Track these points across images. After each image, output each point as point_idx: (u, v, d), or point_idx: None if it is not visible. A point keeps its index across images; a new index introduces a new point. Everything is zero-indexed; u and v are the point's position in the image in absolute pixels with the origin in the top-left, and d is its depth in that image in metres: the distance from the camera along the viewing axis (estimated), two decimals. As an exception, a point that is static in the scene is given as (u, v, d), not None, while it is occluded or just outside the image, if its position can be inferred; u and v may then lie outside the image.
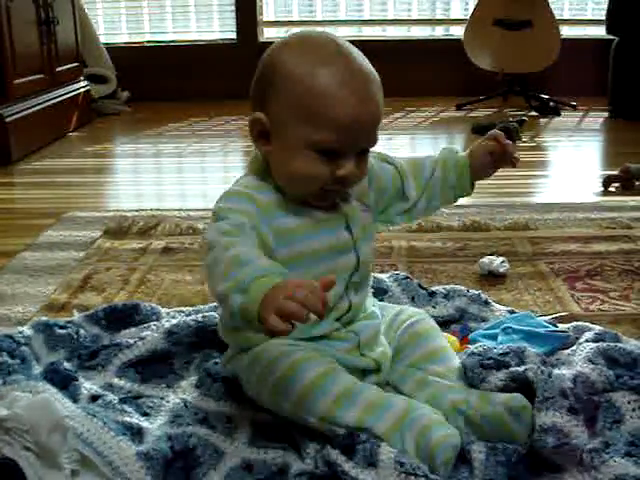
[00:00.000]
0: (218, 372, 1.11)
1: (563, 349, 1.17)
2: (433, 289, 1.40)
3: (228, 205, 0.99)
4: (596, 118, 3.68)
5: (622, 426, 0.99)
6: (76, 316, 1.32)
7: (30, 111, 3.02)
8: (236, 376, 1.08)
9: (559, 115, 3.71)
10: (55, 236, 1.94)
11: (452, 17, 4.50)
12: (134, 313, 1.31)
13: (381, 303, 1.19)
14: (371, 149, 1.03)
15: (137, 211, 2.13)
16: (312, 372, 0.98)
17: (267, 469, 0.94)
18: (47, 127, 3.21)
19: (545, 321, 1.28)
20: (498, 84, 3.87)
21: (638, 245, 1.80)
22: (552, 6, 3.77)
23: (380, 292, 1.35)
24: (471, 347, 1.13)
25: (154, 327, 1.23)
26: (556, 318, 1.34)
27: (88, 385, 1.09)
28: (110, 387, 1.11)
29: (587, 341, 1.16)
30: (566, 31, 4.10)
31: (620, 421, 1.00)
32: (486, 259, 1.63)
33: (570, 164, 2.83)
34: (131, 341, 1.20)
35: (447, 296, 1.37)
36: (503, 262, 1.61)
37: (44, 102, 3.18)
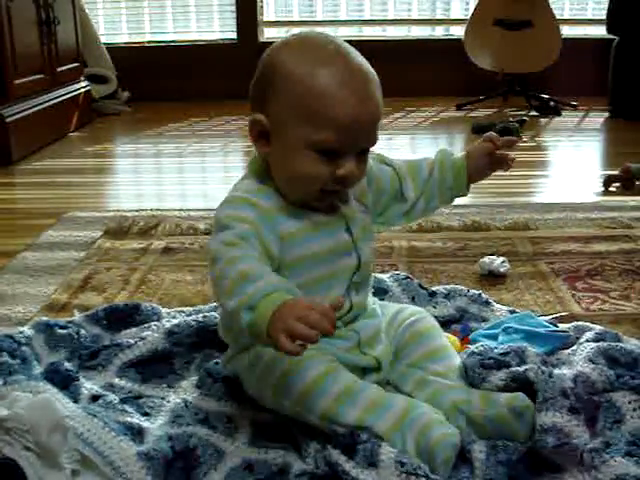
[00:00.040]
0: (219, 372, 1.11)
1: (563, 349, 1.17)
2: (434, 289, 1.40)
3: (230, 213, 0.99)
4: (596, 118, 3.68)
5: (622, 426, 0.99)
6: (77, 316, 1.33)
7: (30, 111, 3.02)
8: (237, 376, 1.08)
9: (559, 115, 3.71)
10: (55, 236, 1.94)
11: (452, 17, 4.50)
12: (135, 313, 1.31)
13: (381, 302, 1.19)
14: (371, 149, 1.03)
15: (137, 211, 2.13)
16: (313, 371, 0.98)
17: (268, 469, 0.94)
18: (47, 127, 3.21)
19: (545, 321, 1.28)
20: (498, 84, 3.87)
21: (638, 245, 1.80)
22: (552, 6, 3.77)
23: (380, 292, 1.35)
24: (471, 347, 1.13)
25: (155, 327, 1.23)
26: (556, 318, 1.34)
27: (89, 385, 1.09)
28: (111, 387, 1.12)
29: (588, 341, 1.16)
30: (566, 31, 4.10)
31: (620, 421, 1.00)
32: (486, 259, 1.63)
33: (570, 164, 2.83)
34: (132, 341, 1.20)
35: (448, 296, 1.37)
36: (503, 262, 1.61)
37: (44, 102, 3.18)
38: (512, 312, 1.35)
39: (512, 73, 3.83)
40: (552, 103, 3.78)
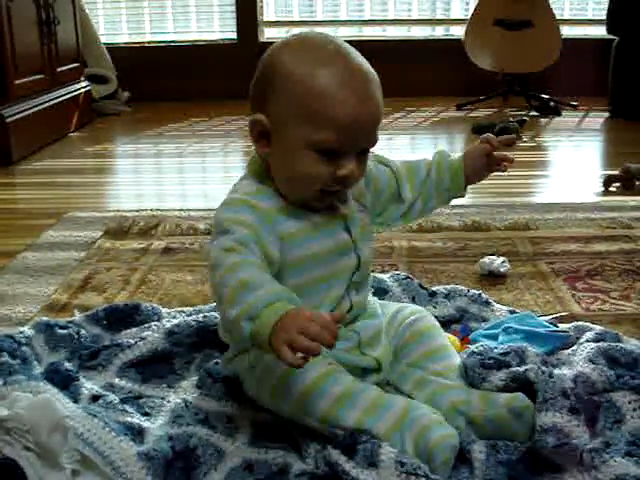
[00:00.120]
0: (219, 372, 1.11)
1: (564, 349, 1.17)
2: (434, 289, 1.40)
3: (229, 216, 0.99)
4: (596, 118, 3.68)
5: (623, 426, 0.99)
6: (77, 316, 1.33)
7: (31, 111, 3.02)
8: (237, 376, 1.08)
9: (559, 115, 3.71)
10: (56, 236, 1.94)
11: (452, 17, 4.50)
12: (135, 313, 1.31)
13: (381, 301, 1.19)
14: (371, 149, 1.04)
15: (137, 211, 2.13)
16: (312, 373, 0.98)
17: (268, 469, 0.94)
18: (48, 127, 3.21)
19: (546, 321, 1.28)
20: (498, 84, 3.87)
21: (638, 245, 1.80)
22: (552, 6, 3.77)
23: (381, 292, 1.35)
24: (471, 347, 1.13)
25: (155, 327, 1.23)
26: (556, 318, 1.34)
27: (89, 385, 1.09)
28: (111, 387, 1.12)
29: (588, 341, 1.16)
30: (566, 31, 4.10)
31: (621, 421, 1.00)
32: (487, 259, 1.63)
33: (570, 164, 2.83)
34: (132, 341, 1.20)
35: (448, 296, 1.37)
36: (504, 262, 1.61)
37: (45, 102, 3.18)
38: (512, 312, 1.35)
39: (512, 73, 3.83)
40: (552, 103, 3.78)
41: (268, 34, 4.44)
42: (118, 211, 2.16)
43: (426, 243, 1.83)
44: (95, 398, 1.06)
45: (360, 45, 1.06)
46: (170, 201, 2.41)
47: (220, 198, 1.04)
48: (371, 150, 1.04)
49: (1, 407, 0.94)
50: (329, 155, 0.98)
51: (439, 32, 4.60)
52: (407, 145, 3.26)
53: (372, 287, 1.30)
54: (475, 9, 3.88)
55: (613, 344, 1.11)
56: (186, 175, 2.90)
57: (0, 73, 2.82)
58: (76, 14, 3.65)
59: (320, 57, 0.98)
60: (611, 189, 2.35)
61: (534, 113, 3.72)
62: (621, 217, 1.99)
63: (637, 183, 2.35)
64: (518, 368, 1.02)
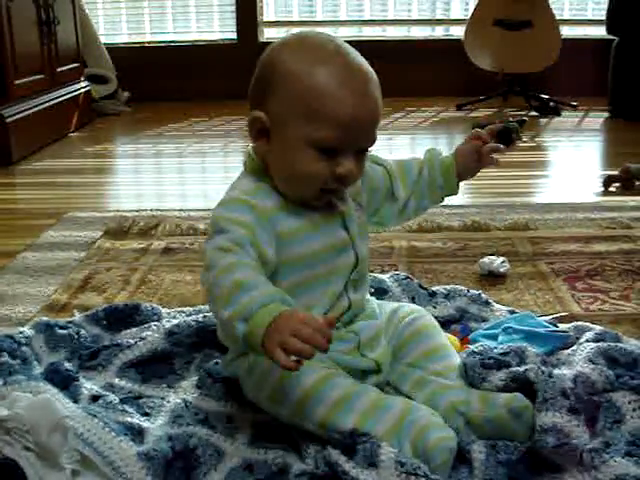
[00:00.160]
0: (219, 372, 1.11)
1: (563, 349, 1.17)
2: (433, 289, 1.40)
3: (226, 215, 0.99)
4: (596, 118, 3.68)
5: (622, 426, 0.99)
6: (77, 316, 1.33)
7: (31, 111, 3.02)
8: (237, 377, 1.08)
9: (559, 115, 3.71)
10: (56, 236, 1.94)
11: (452, 17, 4.50)
12: (135, 313, 1.32)
13: (378, 301, 1.19)
14: (369, 148, 1.04)
15: (137, 211, 2.13)
16: (310, 378, 0.97)
17: (268, 469, 0.94)
18: (48, 127, 3.21)
19: (545, 321, 1.28)
20: (498, 84, 3.87)
21: (638, 245, 1.80)
22: (552, 6, 3.77)
23: (380, 292, 1.35)
24: (471, 347, 1.13)
25: (155, 327, 1.23)
26: (556, 318, 1.34)
27: (89, 385, 1.09)
28: (111, 387, 1.12)
29: (587, 341, 1.16)
30: (566, 31, 4.10)
31: (620, 421, 1.00)
32: (486, 259, 1.63)
33: (570, 164, 2.83)
34: (132, 341, 1.20)
35: (447, 296, 1.37)
36: (503, 262, 1.61)
37: (44, 102, 3.18)
38: (512, 312, 1.35)
39: (512, 73, 3.83)
40: (552, 103, 3.78)
41: (268, 34, 4.44)
42: (118, 211, 2.16)
43: (426, 243, 1.83)
44: (95, 398, 1.06)
45: (360, 45, 1.06)
46: (170, 201, 2.41)
47: (220, 198, 1.04)
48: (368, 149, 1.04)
49: (1, 407, 0.94)
50: (328, 153, 0.98)
51: (439, 32, 4.60)
52: (407, 145, 3.26)
53: (372, 287, 1.30)
54: (475, 9, 3.88)
55: (613, 344, 1.11)
56: (186, 175, 2.90)
57: (0, 73, 2.82)
58: (76, 14, 3.65)
59: (320, 56, 0.99)
60: (611, 189, 2.35)
61: (534, 113, 3.72)
62: (621, 217, 1.99)
63: (637, 183, 2.35)
64: (518, 368, 1.02)
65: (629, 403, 1.01)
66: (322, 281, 1.04)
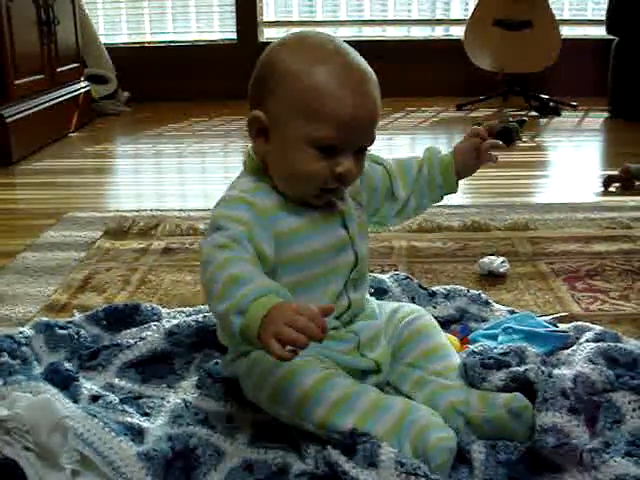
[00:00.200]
0: (218, 372, 1.11)
1: (563, 349, 1.17)
2: (433, 289, 1.40)
3: (225, 213, 0.99)
4: (596, 118, 3.68)
5: (622, 426, 0.99)
6: (76, 316, 1.33)
7: (31, 111, 3.02)
8: (236, 377, 1.08)
9: (559, 115, 3.71)
10: (56, 236, 1.94)
11: (452, 17, 4.50)
12: (134, 313, 1.32)
13: (378, 301, 1.19)
14: (369, 148, 1.04)
15: (137, 211, 2.13)
16: (310, 378, 0.97)
17: (268, 469, 0.94)
18: (47, 127, 3.21)
19: (545, 321, 1.28)
20: (498, 84, 3.87)
21: (638, 245, 1.80)
22: (552, 6, 3.77)
23: (380, 292, 1.35)
24: (471, 347, 1.13)
25: (154, 327, 1.23)
26: (556, 318, 1.34)
27: (89, 385, 1.09)
28: (111, 387, 1.12)
29: (587, 341, 1.16)
30: (566, 31, 4.10)
31: (620, 421, 1.00)
32: (486, 259, 1.63)
33: (570, 164, 2.83)
34: (131, 341, 1.20)
35: (447, 296, 1.37)
36: (503, 262, 1.61)
37: (44, 102, 3.18)
38: (512, 312, 1.35)
39: (512, 73, 3.83)
40: (552, 103, 3.78)
41: (268, 34, 4.44)
42: (118, 211, 2.16)
43: (426, 243, 1.83)
44: (95, 398, 1.06)
45: (360, 45, 1.06)
46: (170, 201, 2.41)
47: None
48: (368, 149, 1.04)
49: (1, 407, 0.94)
50: (328, 152, 0.98)
51: (439, 32, 4.60)
52: (407, 145, 3.26)
53: (372, 287, 1.30)
54: (475, 9, 3.88)
55: (613, 344, 1.11)
56: (186, 175, 2.90)
57: (0, 73, 2.82)
58: (76, 14, 3.65)
59: (319, 55, 0.99)
60: (611, 189, 2.35)
61: (534, 113, 3.72)
62: (621, 217, 1.99)
63: (637, 183, 2.35)
64: (518, 368, 1.02)
65: (629, 403, 1.01)
66: (322, 280, 1.04)
